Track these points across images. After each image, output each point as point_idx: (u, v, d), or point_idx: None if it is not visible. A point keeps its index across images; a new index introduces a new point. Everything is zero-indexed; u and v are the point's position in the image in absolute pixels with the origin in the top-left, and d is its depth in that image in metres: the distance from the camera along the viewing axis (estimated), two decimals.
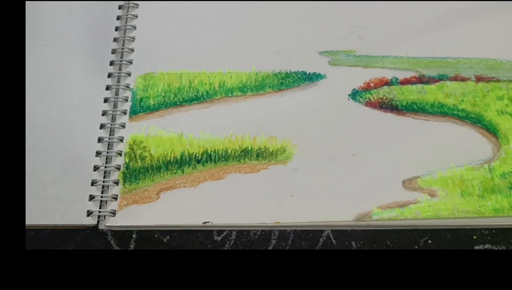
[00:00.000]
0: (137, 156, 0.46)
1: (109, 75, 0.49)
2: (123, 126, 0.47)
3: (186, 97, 0.49)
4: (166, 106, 0.48)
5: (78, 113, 0.48)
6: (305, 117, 0.48)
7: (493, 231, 0.44)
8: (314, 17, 0.53)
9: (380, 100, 0.49)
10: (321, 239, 0.44)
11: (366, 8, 0.54)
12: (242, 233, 0.44)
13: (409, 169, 0.46)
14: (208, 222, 0.43)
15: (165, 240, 0.44)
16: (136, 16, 0.52)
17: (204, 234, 0.44)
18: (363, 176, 0.46)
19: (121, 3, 0.53)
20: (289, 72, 0.50)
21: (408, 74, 0.50)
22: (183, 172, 0.45)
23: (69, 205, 0.44)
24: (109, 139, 0.46)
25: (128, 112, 0.48)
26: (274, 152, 0.46)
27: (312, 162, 0.46)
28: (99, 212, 0.44)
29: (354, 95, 0.49)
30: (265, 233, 0.44)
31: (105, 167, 0.45)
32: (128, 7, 0.53)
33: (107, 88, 0.49)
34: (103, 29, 0.52)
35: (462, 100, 0.49)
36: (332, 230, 0.44)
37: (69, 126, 0.47)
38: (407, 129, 0.48)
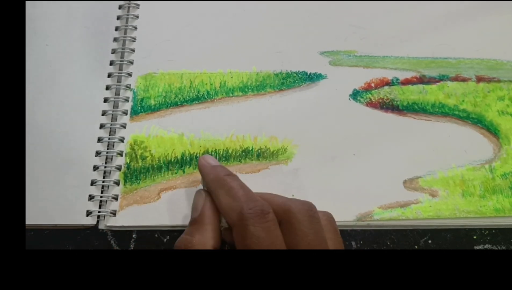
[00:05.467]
0: (138, 156, 0.46)
1: (109, 75, 0.49)
2: (124, 126, 0.47)
3: (187, 97, 0.49)
4: (167, 106, 0.48)
5: (78, 113, 0.48)
6: (306, 117, 0.48)
7: (493, 231, 0.45)
8: (315, 17, 0.53)
9: (381, 100, 0.49)
10: None
11: (366, 8, 0.54)
12: None
13: (410, 169, 0.46)
14: None
15: (165, 240, 0.44)
16: (137, 16, 0.52)
17: None
18: (364, 176, 0.46)
19: (121, 3, 0.53)
20: (289, 72, 0.50)
21: (409, 74, 0.50)
22: (184, 172, 0.45)
23: (69, 205, 0.44)
24: (109, 139, 0.46)
25: (129, 112, 0.48)
26: (275, 152, 0.46)
27: (313, 162, 0.46)
28: (99, 212, 0.44)
29: (355, 95, 0.49)
30: None
31: (105, 167, 0.45)
32: (129, 7, 0.53)
33: (107, 88, 0.49)
34: (103, 29, 0.52)
35: (463, 101, 0.49)
36: None
37: (69, 126, 0.47)
38: (408, 129, 0.48)
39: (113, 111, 0.48)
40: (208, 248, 0.35)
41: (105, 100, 0.48)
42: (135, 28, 0.52)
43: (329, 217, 0.38)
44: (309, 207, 0.36)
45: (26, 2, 0.52)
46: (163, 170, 0.45)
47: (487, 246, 0.44)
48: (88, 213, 0.44)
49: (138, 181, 0.45)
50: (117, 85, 0.49)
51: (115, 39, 0.51)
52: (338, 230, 0.38)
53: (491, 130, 0.48)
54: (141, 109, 0.48)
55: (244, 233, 0.33)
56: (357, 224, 0.44)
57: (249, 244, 0.33)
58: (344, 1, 0.54)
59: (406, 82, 0.50)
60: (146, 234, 0.44)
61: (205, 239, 0.36)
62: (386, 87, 0.50)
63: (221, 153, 0.46)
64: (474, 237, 0.44)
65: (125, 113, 0.48)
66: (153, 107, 0.48)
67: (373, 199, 0.45)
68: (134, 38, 0.51)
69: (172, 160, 0.46)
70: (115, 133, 0.47)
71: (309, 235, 0.34)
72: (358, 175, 0.46)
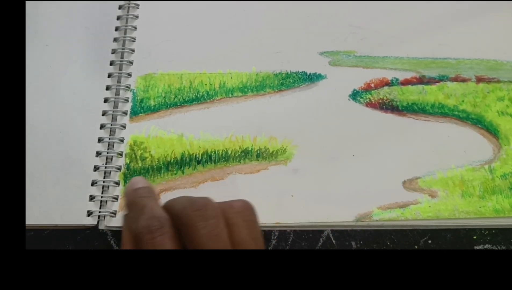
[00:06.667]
0: (138, 157, 0.46)
1: (109, 75, 0.49)
2: (124, 127, 0.47)
3: (187, 97, 0.49)
4: (167, 106, 0.48)
5: (78, 113, 0.48)
6: (306, 118, 0.48)
7: (493, 231, 0.44)
8: (315, 17, 0.53)
9: (380, 101, 0.49)
10: (321, 239, 0.44)
11: (366, 9, 0.54)
12: None
13: (410, 169, 0.46)
14: None
15: None
16: (137, 17, 0.52)
17: None
18: (363, 176, 0.46)
19: (121, 3, 0.53)
20: (289, 73, 0.50)
21: (408, 75, 0.50)
22: (183, 173, 0.45)
23: (69, 205, 0.44)
24: (109, 139, 0.46)
25: (128, 112, 0.48)
26: (274, 152, 0.46)
27: (312, 162, 0.46)
28: (99, 212, 0.44)
29: (355, 95, 0.49)
30: (265, 233, 0.44)
31: (105, 167, 0.45)
32: (129, 7, 0.53)
33: (107, 88, 0.49)
34: (103, 29, 0.52)
35: (463, 101, 0.49)
36: (332, 230, 0.44)
37: (69, 126, 0.47)
38: (408, 130, 0.48)
39: (113, 112, 0.48)
40: None
41: (105, 100, 0.48)
42: (135, 28, 0.52)
43: (241, 208, 0.36)
44: (198, 206, 0.34)
45: (26, 2, 0.52)
46: (162, 171, 0.45)
47: (487, 246, 0.44)
48: (89, 213, 0.44)
49: None
50: (117, 86, 0.49)
51: (115, 39, 0.51)
52: (252, 220, 0.36)
53: (491, 130, 0.48)
54: (140, 109, 0.48)
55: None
56: (357, 225, 0.44)
57: None
58: (344, 1, 0.54)
59: (406, 82, 0.50)
60: None
61: None
62: (385, 88, 0.50)
63: (221, 153, 0.46)
64: (474, 237, 0.44)
65: (125, 113, 0.48)
66: (152, 107, 0.48)
67: (372, 199, 0.45)
68: (134, 38, 0.51)
69: (172, 161, 0.46)
70: (115, 133, 0.47)
71: (195, 237, 0.33)
72: (357, 176, 0.46)
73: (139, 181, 0.40)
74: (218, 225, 0.34)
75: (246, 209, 0.36)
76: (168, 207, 0.36)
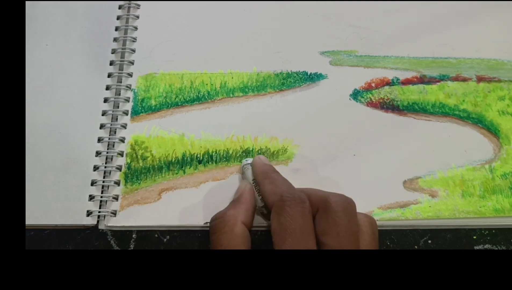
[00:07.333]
0: (139, 157, 0.46)
1: (109, 75, 0.49)
2: (124, 127, 0.47)
3: (188, 97, 0.49)
4: (168, 106, 0.48)
5: (78, 113, 0.47)
6: (306, 118, 0.48)
7: (493, 231, 0.45)
8: (315, 17, 0.53)
9: (381, 100, 0.49)
10: None
11: (367, 8, 0.54)
12: None
13: (410, 169, 0.46)
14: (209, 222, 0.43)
15: (165, 240, 0.44)
16: (138, 17, 0.52)
17: (205, 234, 0.44)
18: (364, 176, 0.46)
19: (121, 3, 0.53)
20: (290, 72, 0.50)
21: (409, 74, 0.50)
22: (184, 172, 0.45)
23: (69, 205, 0.44)
24: (109, 139, 0.46)
25: (129, 112, 0.48)
26: (275, 152, 0.46)
27: (313, 162, 0.46)
28: (99, 212, 0.44)
29: (355, 95, 0.49)
30: (266, 233, 0.44)
31: (105, 167, 0.45)
32: (129, 7, 0.53)
33: (107, 88, 0.49)
34: (103, 29, 0.52)
35: (463, 100, 0.49)
36: None
37: (69, 126, 0.47)
38: (408, 129, 0.48)
39: (113, 111, 0.48)
40: (239, 221, 0.38)
41: (105, 100, 0.48)
42: (136, 28, 0.52)
43: (371, 220, 0.39)
44: (346, 200, 0.37)
45: (26, 2, 0.52)
46: (163, 171, 0.45)
47: (487, 246, 0.44)
48: (89, 213, 0.44)
49: (138, 182, 0.45)
50: (117, 85, 0.49)
51: (115, 39, 0.51)
52: (376, 235, 0.38)
53: (492, 130, 0.48)
54: (141, 109, 0.48)
55: (281, 211, 0.36)
56: None
57: (283, 221, 0.36)
58: (345, 1, 0.54)
59: (407, 82, 0.50)
60: (146, 234, 0.44)
61: (237, 213, 0.39)
62: (386, 87, 0.50)
63: (222, 153, 0.46)
64: (474, 237, 0.44)
65: (125, 113, 0.48)
66: (153, 107, 0.48)
67: (373, 199, 0.45)
68: (135, 38, 0.51)
69: (173, 160, 0.46)
70: (115, 133, 0.47)
71: (340, 225, 0.36)
72: (358, 175, 0.46)
73: (264, 158, 0.44)
74: (357, 224, 0.37)
75: (375, 224, 0.39)
76: (306, 191, 0.39)
